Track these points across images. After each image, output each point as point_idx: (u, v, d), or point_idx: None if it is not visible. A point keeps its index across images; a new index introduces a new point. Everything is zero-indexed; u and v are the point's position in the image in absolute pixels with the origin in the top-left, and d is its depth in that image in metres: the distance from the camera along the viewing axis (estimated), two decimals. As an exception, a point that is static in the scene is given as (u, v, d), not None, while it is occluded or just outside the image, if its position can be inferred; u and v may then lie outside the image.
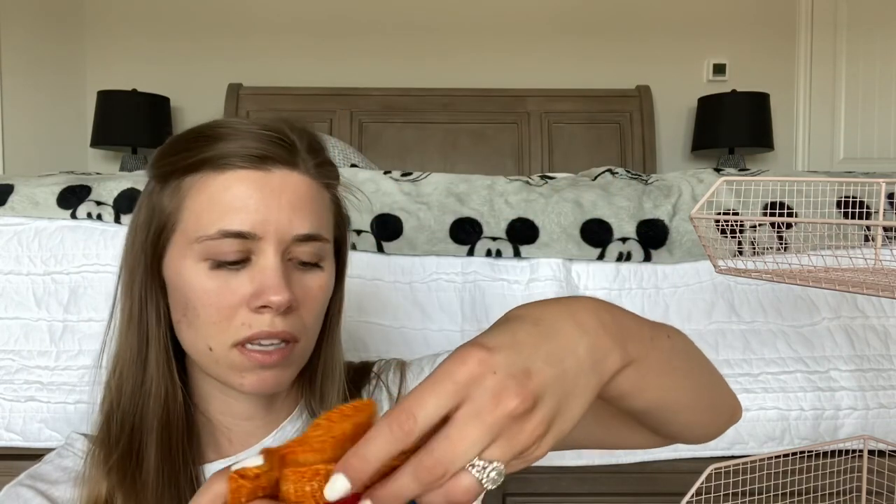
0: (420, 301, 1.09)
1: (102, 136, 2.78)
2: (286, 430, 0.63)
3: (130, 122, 2.76)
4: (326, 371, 0.63)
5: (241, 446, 0.62)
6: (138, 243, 0.58)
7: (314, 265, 0.58)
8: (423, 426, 0.31)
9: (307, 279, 0.57)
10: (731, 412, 0.58)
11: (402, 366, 0.70)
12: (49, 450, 0.64)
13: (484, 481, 0.31)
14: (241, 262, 0.55)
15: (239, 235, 0.53)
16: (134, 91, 2.78)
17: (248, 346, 0.54)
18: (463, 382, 0.31)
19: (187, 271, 0.55)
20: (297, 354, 0.57)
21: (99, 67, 3.02)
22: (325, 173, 0.60)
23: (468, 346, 0.33)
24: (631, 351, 0.39)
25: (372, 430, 0.31)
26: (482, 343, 0.33)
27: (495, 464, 0.31)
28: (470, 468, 0.31)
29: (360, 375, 0.69)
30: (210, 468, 0.60)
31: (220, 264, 0.54)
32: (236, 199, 0.54)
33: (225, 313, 0.54)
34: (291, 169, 0.56)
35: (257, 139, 0.56)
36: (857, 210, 1.12)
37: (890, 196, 1.14)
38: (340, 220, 0.63)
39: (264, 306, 0.54)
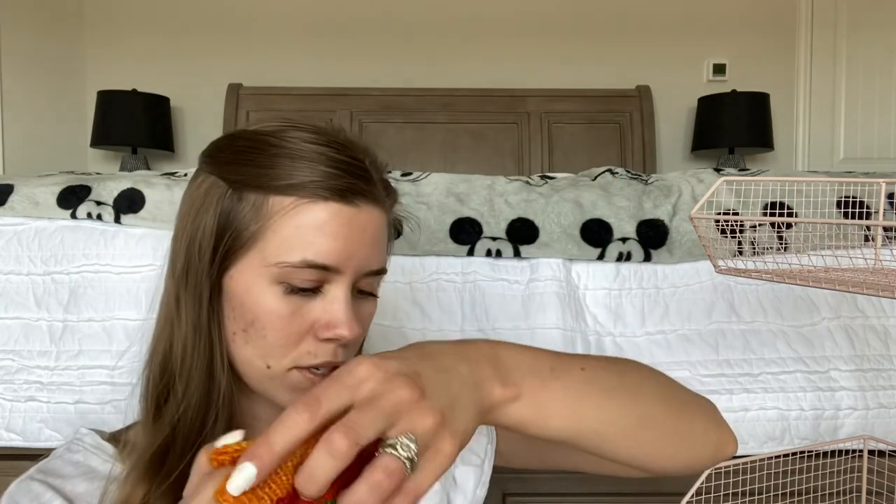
0: (420, 301, 1.09)
1: (102, 136, 2.78)
2: None
3: (130, 122, 2.76)
4: None
5: None
6: (205, 248, 0.56)
7: (370, 294, 0.59)
8: (327, 411, 0.35)
9: (363, 307, 0.59)
10: (713, 445, 0.61)
11: None
12: (50, 450, 0.63)
13: (399, 455, 0.35)
14: (314, 289, 0.55)
15: (322, 268, 0.54)
16: (134, 91, 2.78)
17: (315, 376, 0.56)
18: (361, 377, 0.37)
19: (259, 291, 0.55)
20: None
21: (99, 67, 3.02)
22: (392, 202, 0.61)
23: (363, 356, 0.39)
24: (518, 382, 0.46)
25: (278, 419, 0.34)
26: (375, 355, 0.40)
27: (404, 439, 0.35)
28: (382, 449, 0.35)
29: None
30: None
31: (294, 290, 0.55)
32: (325, 232, 0.54)
33: (293, 338, 0.55)
34: (374, 205, 0.57)
35: (341, 168, 0.55)
36: (857, 210, 1.12)
37: (890, 196, 1.14)
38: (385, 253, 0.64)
39: (333, 339, 0.55)
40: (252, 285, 0.55)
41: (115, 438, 0.63)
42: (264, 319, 0.54)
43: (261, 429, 0.59)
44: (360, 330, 0.56)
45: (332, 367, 0.55)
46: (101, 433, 0.64)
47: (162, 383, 0.58)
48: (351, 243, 0.55)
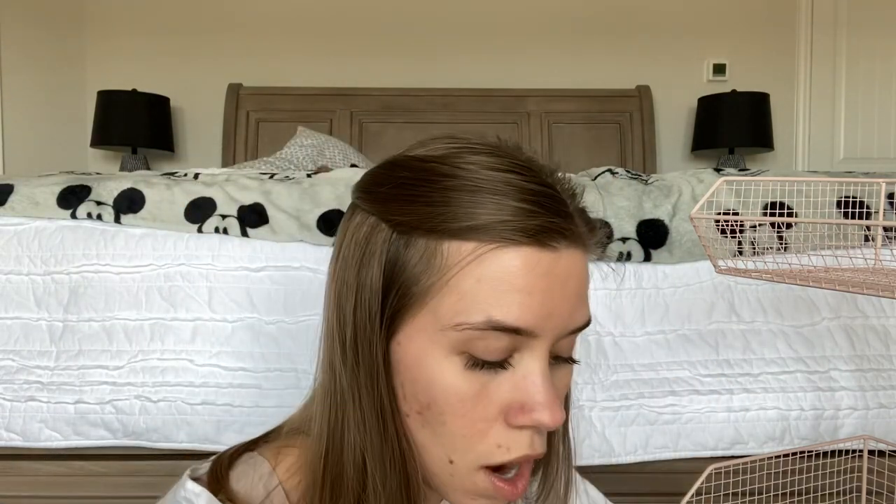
0: (420, 301, 1.09)
1: (102, 136, 2.78)
2: None
3: (130, 122, 2.76)
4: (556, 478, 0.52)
5: None
6: (374, 308, 0.44)
7: (567, 360, 0.47)
8: None
9: (560, 377, 0.46)
10: None
11: None
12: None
13: None
14: (503, 362, 0.43)
15: (514, 331, 0.42)
16: (134, 91, 2.78)
17: (497, 473, 0.44)
18: None
19: (434, 363, 0.43)
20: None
21: (99, 67, 3.02)
22: (597, 242, 0.47)
23: None
24: None
25: None
26: None
27: None
28: None
29: None
30: None
31: (477, 363, 0.43)
32: (518, 286, 0.42)
33: (479, 427, 0.43)
34: (576, 247, 0.44)
35: (534, 201, 0.43)
36: (857, 210, 1.12)
37: (890, 196, 1.14)
38: None
39: (530, 426, 0.43)
40: (425, 355, 0.43)
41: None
42: (443, 402, 0.43)
43: None
44: (562, 412, 0.43)
45: (527, 461, 0.44)
46: (217, 483, 0.47)
47: (342, 482, 0.46)
48: (551, 298, 0.42)
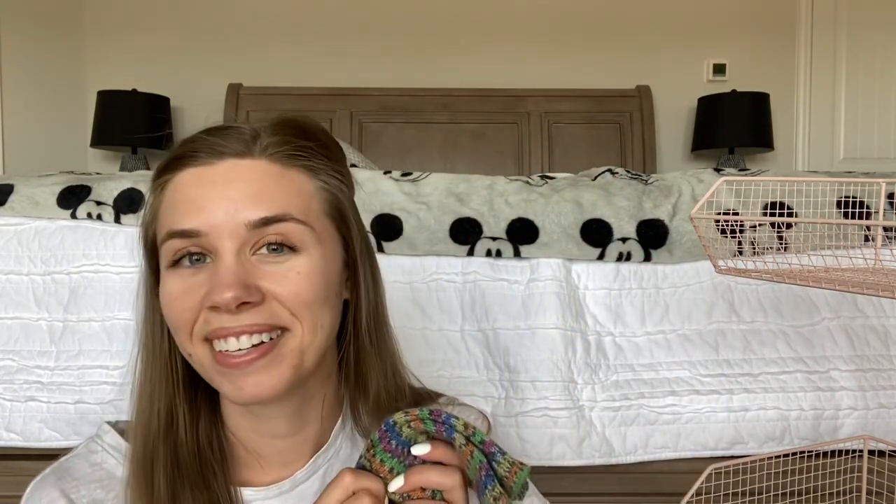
0: (420, 301, 1.09)
1: (102, 136, 2.78)
2: (328, 454, 0.60)
3: (130, 122, 2.76)
4: (371, 383, 0.59)
5: (276, 470, 0.59)
6: (141, 256, 0.58)
7: (289, 249, 0.53)
8: None
9: (280, 265, 0.52)
10: None
11: (488, 427, 0.65)
12: (50, 450, 0.63)
13: None
14: (202, 262, 0.52)
15: (183, 235, 0.52)
16: (134, 91, 2.78)
17: (220, 350, 0.52)
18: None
19: (162, 279, 0.54)
20: (289, 348, 0.53)
21: (99, 67, 3.02)
22: (294, 156, 0.55)
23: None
24: None
25: None
26: None
27: None
28: None
29: (420, 401, 0.64)
30: (246, 492, 0.58)
31: (176, 265, 0.53)
32: (181, 197, 0.53)
33: (187, 316, 0.52)
34: (242, 157, 0.54)
35: (199, 135, 0.55)
36: (857, 210, 1.12)
37: (890, 196, 1.14)
38: (337, 212, 0.58)
39: (213, 307, 0.50)
40: (161, 277, 0.55)
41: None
42: (164, 305, 0.53)
43: (263, 443, 0.59)
44: (249, 289, 0.50)
45: (229, 335, 0.51)
46: (121, 428, 0.62)
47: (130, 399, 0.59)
48: (209, 202, 0.51)
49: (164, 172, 0.55)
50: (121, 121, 2.76)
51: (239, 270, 0.51)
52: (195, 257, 0.52)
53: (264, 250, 0.52)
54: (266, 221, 0.52)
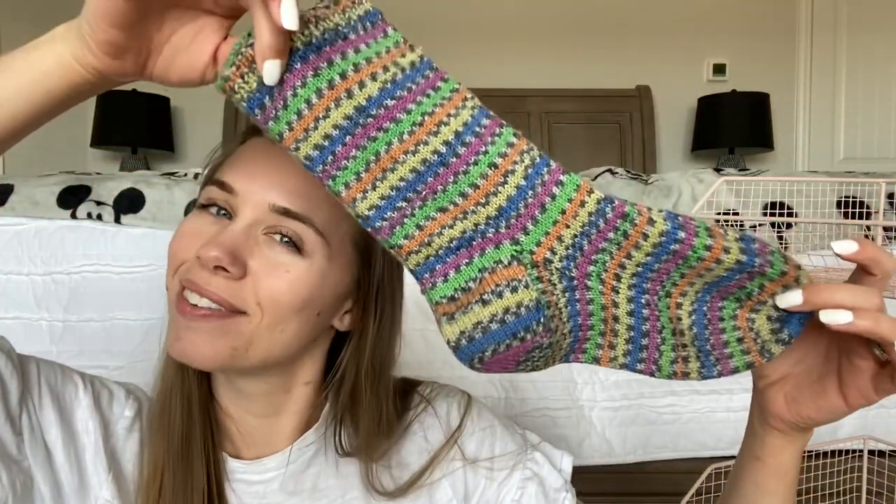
0: (420, 301, 1.09)
1: (102, 136, 2.78)
2: (307, 440, 0.61)
3: (130, 122, 2.76)
4: (361, 418, 0.59)
5: (259, 448, 0.61)
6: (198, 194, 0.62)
7: (296, 249, 0.53)
8: None
9: (277, 256, 0.52)
10: None
11: (466, 403, 0.65)
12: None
13: None
14: (226, 216, 0.54)
15: (222, 186, 0.54)
16: (134, 91, 2.78)
17: (185, 297, 0.52)
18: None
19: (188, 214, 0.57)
20: (239, 329, 0.52)
21: (99, 67, 3.02)
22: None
23: None
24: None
25: None
26: None
27: None
28: None
29: (403, 394, 0.65)
30: (232, 462, 0.60)
31: (204, 208, 0.55)
32: (245, 156, 0.55)
33: (181, 255, 0.53)
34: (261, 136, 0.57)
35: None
36: (857, 210, 1.12)
37: (890, 196, 1.14)
38: (365, 246, 0.57)
39: (198, 258, 0.51)
40: None
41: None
42: (174, 235, 0.55)
43: (244, 419, 0.61)
44: (231, 257, 0.50)
45: (198, 291, 0.51)
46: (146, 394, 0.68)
47: None
48: (253, 166, 0.54)
49: (253, 133, 0.57)
50: (121, 121, 2.76)
51: (238, 239, 0.52)
52: (222, 211, 0.54)
53: (276, 237, 0.53)
54: (287, 212, 0.53)
